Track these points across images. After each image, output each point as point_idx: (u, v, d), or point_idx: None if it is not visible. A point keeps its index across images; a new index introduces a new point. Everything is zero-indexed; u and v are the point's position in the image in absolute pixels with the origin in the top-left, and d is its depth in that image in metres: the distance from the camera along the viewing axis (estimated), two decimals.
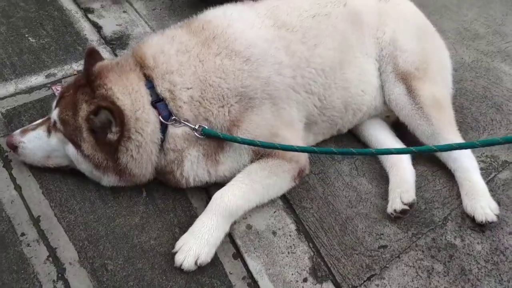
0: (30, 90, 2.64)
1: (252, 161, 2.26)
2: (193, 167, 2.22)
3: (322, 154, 2.56)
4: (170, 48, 2.20)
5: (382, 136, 2.69)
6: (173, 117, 2.14)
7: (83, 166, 2.16)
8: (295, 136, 2.35)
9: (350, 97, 2.54)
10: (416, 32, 2.73)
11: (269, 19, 2.40)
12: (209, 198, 2.33)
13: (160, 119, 2.13)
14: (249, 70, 2.22)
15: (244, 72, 2.21)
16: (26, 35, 2.92)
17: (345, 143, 2.73)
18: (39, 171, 2.28)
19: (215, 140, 2.19)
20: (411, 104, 2.56)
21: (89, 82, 2.14)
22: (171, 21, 3.26)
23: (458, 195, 2.49)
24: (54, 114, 2.18)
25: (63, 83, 2.70)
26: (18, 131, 2.27)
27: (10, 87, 2.64)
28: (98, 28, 3.10)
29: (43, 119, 2.29)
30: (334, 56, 2.46)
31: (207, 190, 2.37)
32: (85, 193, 2.26)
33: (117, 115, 2.03)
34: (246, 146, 2.20)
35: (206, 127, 2.15)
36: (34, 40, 2.90)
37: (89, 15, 3.16)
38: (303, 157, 2.35)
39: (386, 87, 2.63)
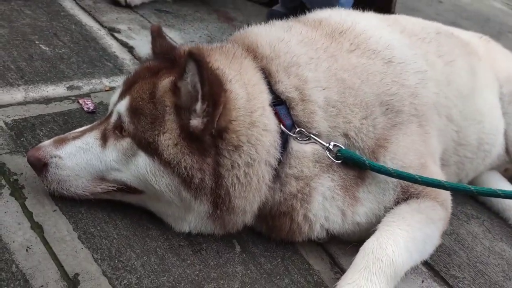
0: (47, 100, 1.82)
1: (396, 202, 1.55)
2: (326, 206, 1.46)
3: None
4: (291, 37, 1.56)
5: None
6: (297, 128, 1.44)
7: (164, 181, 1.32)
8: (439, 172, 1.70)
9: (484, 134, 1.99)
10: None
11: (395, 25, 1.88)
12: (331, 257, 1.57)
13: (282, 129, 1.42)
14: (393, 74, 1.62)
15: (387, 75, 1.61)
16: (37, 42, 2.17)
17: (459, 202, 2.11)
18: (70, 204, 1.41)
19: (353, 166, 1.48)
20: None
21: (178, 63, 1.40)
22: None
23: None
24: (121, 106, 1.38)
25: (92, 98, 1.93)
26: (48, 141, 1.42)
27: (16, 94, 1.81)
28: (128, 48, 2.42)
29: (92, 124, 1.47)
30: (468, 79, 1.95)
31: (323, 246, 1.59)
32: (147, 242, 1.39)
33: (205, 72, 1.23)
34: (393, 179, 1.51)
35: (343, 147, 1.47)
36: (47, 48, 2.15)
37: (116, 34, 2.50)
38: (450, 205, 1.69)
39: (510, 130, 2.13)
